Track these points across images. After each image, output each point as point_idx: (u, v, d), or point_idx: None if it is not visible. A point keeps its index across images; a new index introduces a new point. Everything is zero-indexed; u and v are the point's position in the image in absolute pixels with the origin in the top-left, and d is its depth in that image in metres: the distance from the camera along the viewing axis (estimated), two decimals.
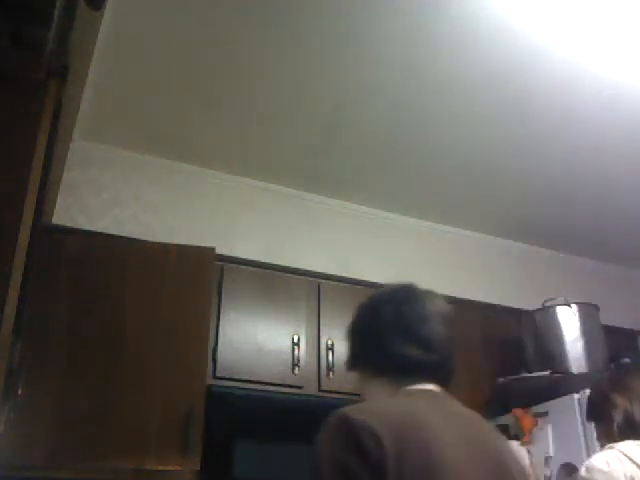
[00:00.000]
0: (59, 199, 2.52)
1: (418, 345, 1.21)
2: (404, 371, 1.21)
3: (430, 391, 1.20)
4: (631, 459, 1.73)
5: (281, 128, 2.67)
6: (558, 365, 2.77)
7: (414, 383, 1.19)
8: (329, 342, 2.68)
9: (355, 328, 1.33)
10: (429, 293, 1.31)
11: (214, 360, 2.44)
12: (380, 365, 1.24)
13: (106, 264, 2.36)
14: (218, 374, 2.43)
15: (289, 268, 2.83)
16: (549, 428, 2.63)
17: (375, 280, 3.01)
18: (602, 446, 1.91)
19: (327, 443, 1.05)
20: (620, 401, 1.88)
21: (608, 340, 2.94)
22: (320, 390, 2.58)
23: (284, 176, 2.98)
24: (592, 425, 2.47)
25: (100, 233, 2.57)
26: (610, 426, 1.88)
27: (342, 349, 2.72)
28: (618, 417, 1.86)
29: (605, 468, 1.74)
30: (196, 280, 2.44)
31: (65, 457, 2.05)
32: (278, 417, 2.47)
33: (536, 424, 2.68)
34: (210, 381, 2.38)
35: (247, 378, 2.48)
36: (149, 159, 2.81)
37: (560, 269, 3.56)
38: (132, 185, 2.75)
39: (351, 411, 1.06)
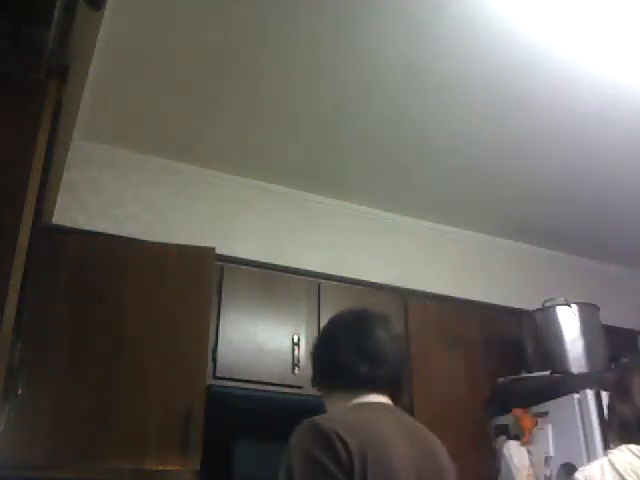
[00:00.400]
0: (59, 199, 2.52)
1: (370, 362, 1.37)
2: (358, 385, 1.36)
3: (382, 403, 1.36)
4: (616, 469, 1.73)
5: (281, 128, 2.67)
6: (558, 365, 2.77)
7: (367, 396, 1.35)
8: None
9: (315, 349, 1.50)
10: (381, 316, 1.48)
11: (214, 360, 2.44)
12: (337, 381, 1.40)
13: (106, 264, 2.36)
14: (218, 374, 2.43)
15: (289, 268, 2.83)
16: (549, 428, 2.63)
17: (375, 280, 3.02)
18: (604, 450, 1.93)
19: (301, 445, 1.18)
20: (619, 405, 1.88)
21: (608, 340, 2.94)
22: None
23: (284, 176, 2.98)
24: (592, 425, 2.49)
25: (100, 233, 2.57)
26: (612, 431, 1.90)
27: None
28: (616, 421, 1.87)
29: (581, 479, 1.78)
30: (196, 280, 2.44)
31: (65, 457, 2.05)
32: (278, 417, 2.47)
33: (536, 424, 2.68)
34: (210, 381, 2.38)
35: (247, 378, 2.48)
36: (149, 159, 2.81)
37: (560, 269, 3.56)
38: (132, 185, 2.75)
39: (320, 419, 1.22)
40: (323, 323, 2.67)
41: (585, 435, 2.49)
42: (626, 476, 1.69)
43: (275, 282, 2.75)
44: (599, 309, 3.00)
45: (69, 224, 2.53)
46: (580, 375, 2.72)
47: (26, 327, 1.78)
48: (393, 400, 1.39)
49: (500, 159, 2.87)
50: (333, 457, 1.14)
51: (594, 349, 2.84)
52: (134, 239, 2.57)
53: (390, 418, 1.31)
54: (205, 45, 2.26)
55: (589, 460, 2.43)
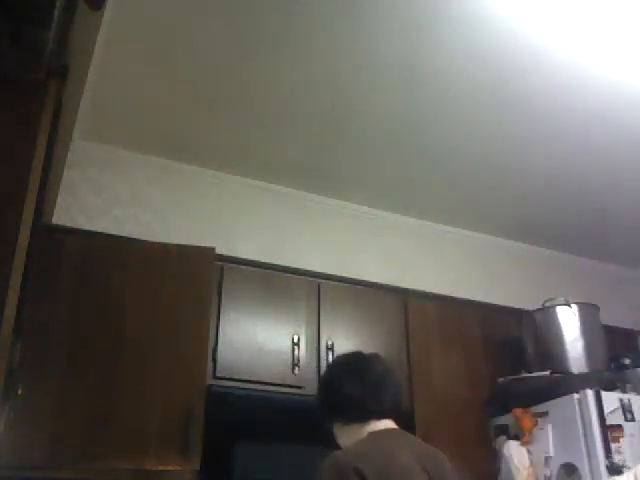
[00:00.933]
0: (59, 199, 2.52)
1: (373, 394, 1.58)
2: (367, 416, 1.57)
3: (390, 428, 1.57)
4: (637, 478, 1.74)
5: (281, 128, 2.67)
6: (558, 365, 2.77)
7: (376, 424, 1.56)
8: (329, 342, 2.68)
9: (323, 393, 1.70)
10: (373, 355, 1.70)
11: (214, 360, 2.44)
12: (349, 415, 1.60)
13: (106, 264, 2.36)
14: (218, 374, 2.43)
15: (289, 268, 2.83)
16: (549, 428, 2.63)
17: (375, 280, 3.02)
18: None
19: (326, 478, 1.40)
20: None
21: (608, 340, 2.94)
22: None
23: (284, 176, 2.98)
24: (592, 425, 2.49)
25: (100, 233, 2.57)
26: None
27: (342, 349, 2.72)
28: None
29: None
30: (196, 280, 2.44)
31: (65, 457, 2.05)
32: (278, 417, 2.47)
33: (536, 424, 2.68)
34: (210, 381, 2.38)
35: (247, 378, 2.48)
36: (149, 159, 2.81)
37: (560, 269, 3.56)
38: (132, 185, 2.75)
39: (339, 454, 1.45)
40: (323, 323, 2.71)
41: (585, 435, 2.49)
42: None
43: (275, 282, 2.74)
44: (599, 309, 3.00)
45: (69, 224, 2.53)
46: (580, 375, 2.72)
47: (26, 327, 1.78)
48: (397, 423, 1.59)
49: (500, 159, 2.87)
50: None
51: (594, 349, 2.84)
52: (134, 239, 2.57)
53: (399, 440, 1.54)
54: (205, 45, 2.26)
55: (589, 460, 2.44)
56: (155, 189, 2.79)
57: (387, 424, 1.57)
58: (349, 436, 1.58)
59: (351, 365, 1.66)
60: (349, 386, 1.59)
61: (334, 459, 1.42)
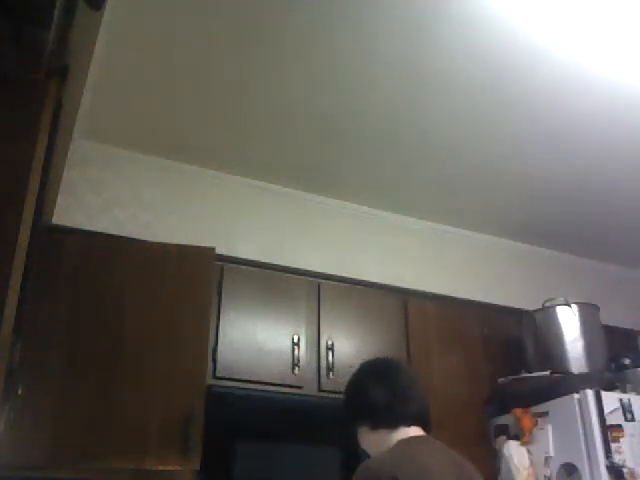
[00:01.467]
0: (59, 199, 2.52)
1: (402, 401, 1.58)
2: (396, 422, 1.55)
3: (419, 436, 1.56)
4: None
5: (281, 128, 2.67)
6: (558, 365, 2.77)
7: (405, 431, 1.54)
8: (329, 342, 2.68)
9: (351, 396, 1.68)
10: (400, 362, 1.77)
11: (214, 360, 2.44)
12: (377, 421, 1.57)
13: (106, 264, 2.36)
14: (218, 374, 2.43)
15: (289, 268, 2.83)
16: (549, 428, 2.63)
17: (375, 280, 3.02)
18: None
19: None
20: None
21: (608, 340, 2.94)
22: (320, 390, 2.58)
23: (284, 176, 2.98)
24: (592, 425, 2.49)
25: (100, 233, 2.57)
26: None
27: (342, 349, 2.73)
28: None
29: None
30: (196, 280, 2.44)
31: (65, 457, 2.05)
32: (278, 417, 2.47)
33: (536, 424, 2.68)
34: (210, 381, 2.38)
35: (247, 378, 2.48)
36: (149, 159, 2.81)
37: (560, 269, 3.56)
38: (132, 185, 2.75)
39: (371, 462, 1.45)
40: (323, 323, 2.71)
41: (585, 435, 2.49)
42: None
43: (275, 282, 2.74)
44: (599, 309, 3.00)
45: (69, 224, 2.53)
46: (580, 375, 2.72)
47: (26, 327, 1.79)
48: (425, 430, 1.58)
49: (500, 159, 2.87)
50: None
51: (594, 349, 2.84)
52: (134, 239, 2.57)
53: (428, 448, 1.52)
54: (205, 45, 2.26)
55: (589, 460, 2.44)
56: (155, 189, 2.79)
57: (416, 431, 1.56)
58: (376, 442, 1.56)
59: (381, 370, 1.66)
60: (379, 390, 1.59)
61: (368, 469, 1.40)
